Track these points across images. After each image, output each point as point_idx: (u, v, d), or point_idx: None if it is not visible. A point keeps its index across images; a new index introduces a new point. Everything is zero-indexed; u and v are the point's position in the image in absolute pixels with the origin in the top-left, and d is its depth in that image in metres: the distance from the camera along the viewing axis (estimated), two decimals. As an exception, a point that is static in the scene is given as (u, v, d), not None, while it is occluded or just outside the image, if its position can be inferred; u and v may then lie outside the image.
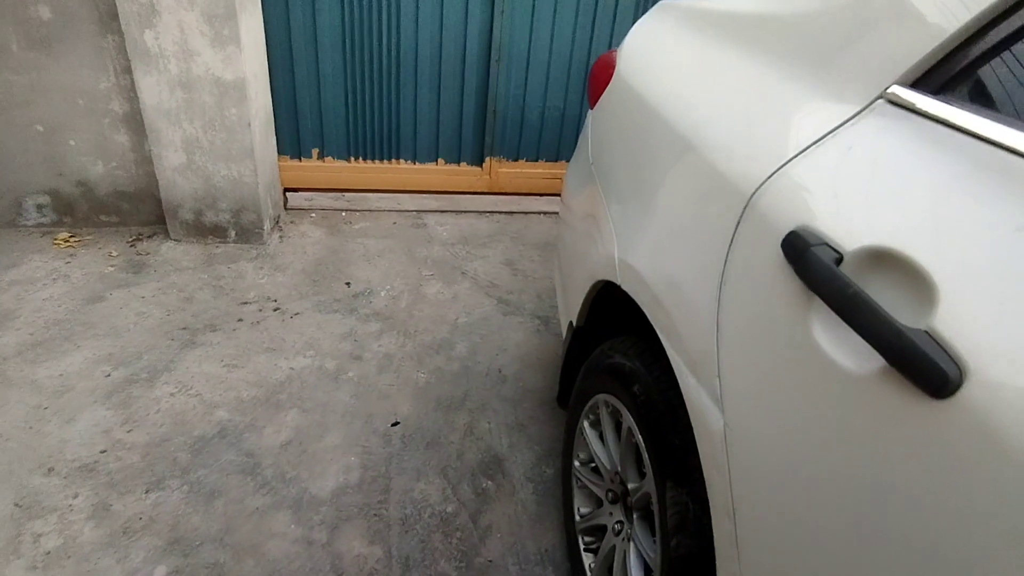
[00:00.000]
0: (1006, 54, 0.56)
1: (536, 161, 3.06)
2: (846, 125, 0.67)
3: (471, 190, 3.06)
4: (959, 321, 0.47)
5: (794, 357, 0.61)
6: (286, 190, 2.92)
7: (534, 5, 2.69)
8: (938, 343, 0.47)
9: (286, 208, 2.93)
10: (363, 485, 1.57)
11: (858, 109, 0.67)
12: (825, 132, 0.68)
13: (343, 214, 2.96)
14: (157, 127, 2.32)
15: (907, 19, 0.65)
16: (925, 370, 0.46)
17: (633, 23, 2.74)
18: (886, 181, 0.59)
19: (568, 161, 3.03)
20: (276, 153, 2.76)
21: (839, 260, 0.58)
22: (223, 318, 2.15)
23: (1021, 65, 0.56)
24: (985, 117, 0.55)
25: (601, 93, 1.40)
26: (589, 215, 1.31)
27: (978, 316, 0.47)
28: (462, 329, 2.22)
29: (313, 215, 2.92)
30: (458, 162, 3.00)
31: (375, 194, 3.03)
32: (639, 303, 0.97)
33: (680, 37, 1.18)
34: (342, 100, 2.76)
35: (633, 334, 1.14)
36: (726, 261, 0.74)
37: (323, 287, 2.38)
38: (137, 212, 2.60)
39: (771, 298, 0.64)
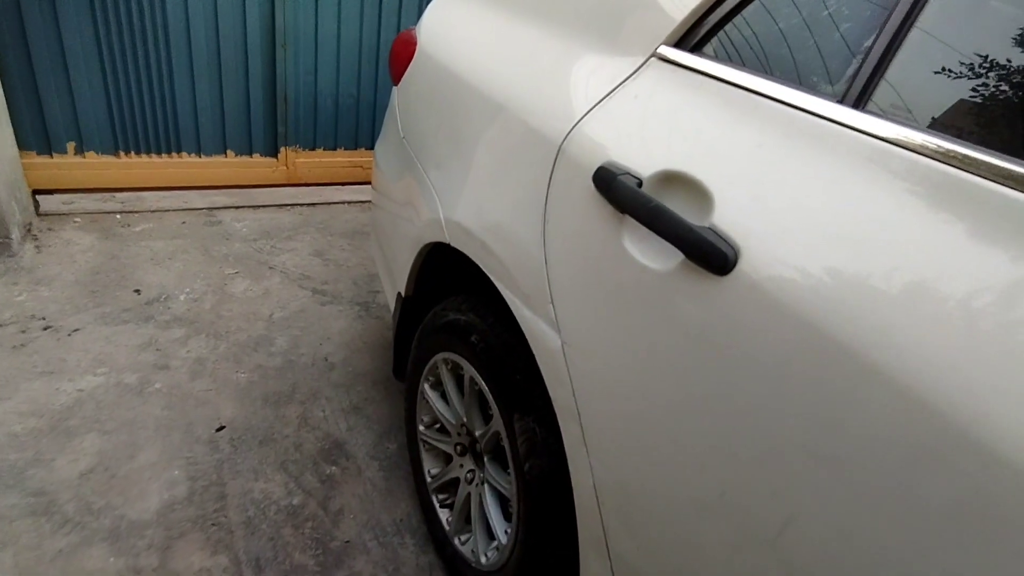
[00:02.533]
0: (738, 18, 0.74)
1: (335, 150, 2.99)
2: (629, 79, 0.81)
3: (268, 183, 2.90)
4: (730, 216, 0.62)
5: (612, 268, 0.73)
6: (36, 192, 2.48)
7: (317, -13, 2.62)
8: (718, 234, 0.62)
9: (39, 213, 2.49)
10: (193, 496, 1.45)
11: (637, 66, 0.81)
12: (613, 87, 0.82)
13: (118, 216, 2.61)
14: None
15: None
16: (712, 255, 0.60)
17: (419, 9, 2.82)
18: (666, 121, 0.74)
19: (369, 148, 3.02)
20: (16, 148, 2.32)
21: (639, 184, 0.71)
22: (-29, 346, 1.78)
23: (749, 25, 0.73)
24: (729, 67, 0.72)
25: (404, 70, 1.44)
26: (407, 188, 1.35)
27: (742, 210, 0.62)
28: (279, 324, 2.11)
29: (78, 220, 2.53)
30: (250, 153, 2.81)
31: (155, 192, 2.71)
32: (469, 255, 1.04)
33: (478, 13, 1.27)
34: (99, 83, 2.41)
35: (464, 290, 1.22)
36: (546, 201, 0.84)
37: (106, 297, 2.08)
38: None
39: (587, 224, 0.76)
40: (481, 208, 1.00)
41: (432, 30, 1.38)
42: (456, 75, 1.18)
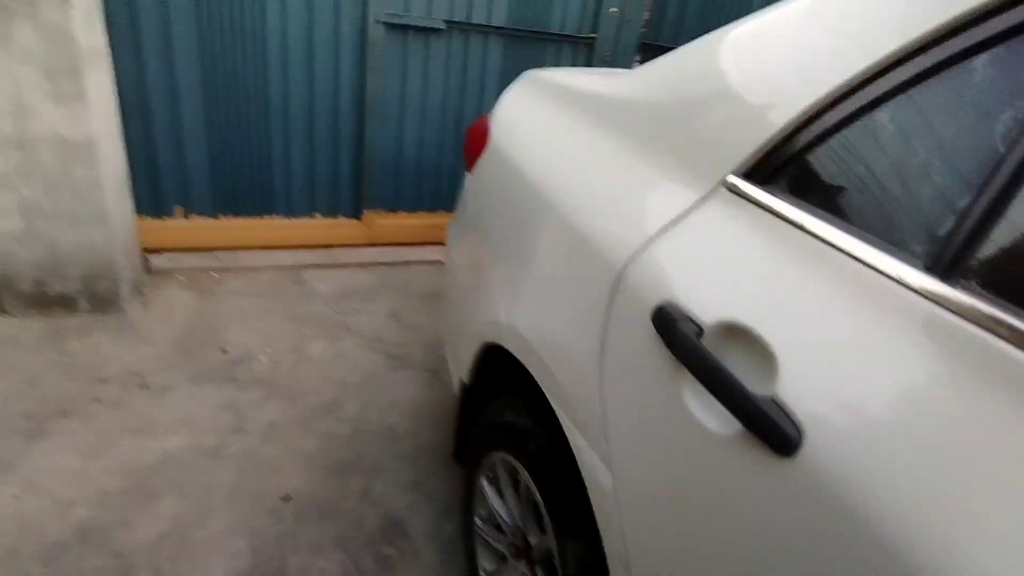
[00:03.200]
0: (816, 152, 0.69)
1: (415, 212, 3.09)
2: (695, 209, 0.77)
3: (350, 243, 3.02)
4: (796, 388, 0.57)
5: (670, 419, 0.69)
6: (147, 251, 2.71)
7: (405, 62, 2.75)
8: (782, 408, 0.56)
9: (148, 271, 2.71)
10: (255, 571, 1.48)
11: (703, 194, 0.77)
12: (678, 215, 0.78)
13: (214, 274, 2.80)
14: (-13, 192, 2.07)
15: (740, 116, 0.77)
16: (774, 433, 0.55)
17: (501, 83, 2.90)
18: (732, 263, 0.69)
19: (447, 210, 3.10)
20: (134, 213, 2.56)
21: (700, 333, 0.66)
22: (77, 400, 1.94)
23: (828, 162, 0.68)
24: (802, 209, 0.67)
25: (477, 159, 1.47)
26: (473, 275, 1.36)
27: (809, 384, 0.56)
28: (350, 388, 2.16)
29: (180, 277, 2.73)
30: (335, 215, 2.95)
31: (248, 251, 2.90)
32: (527, 366, 1.02)
33: (549, 111, 1.28)
34: (206, 154, 2.63)
35: (524, 391, 1.19)
36: (605, 330, 0.81)
37: (196, 356, 2.22)
38: (-39, 285, 2.29)
39: (647, 367, 0.72)
40: (540, 319, 0.98)
41: (504, 123, 1.40)
42: (523, 174, 1.18)
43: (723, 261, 0.70)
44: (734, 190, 0.75)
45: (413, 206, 3.07)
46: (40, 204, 2.14)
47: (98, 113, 2.14)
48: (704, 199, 0.77)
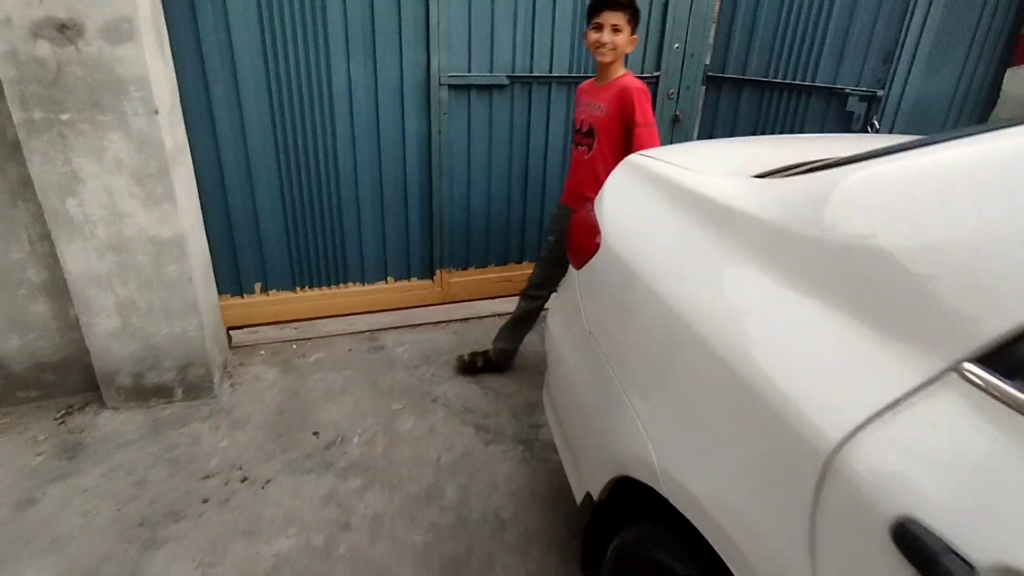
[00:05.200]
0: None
1: (485, 267, 3.05)
2: (920, 394, 0.69)
3: (424, 303, 3.00)
4: None
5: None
6: (229, 329, 2.74)
7: (469, 120, 2.72)
8: None
9: (231, 347, 2.74)
10: None
11: (929, 377, 0.69)
12: (898, 397, 0.70)
13: (294, 346, 2.81)
14: (86, 294, 2.12)
15: (981, 289, 0.68)
16: None
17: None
18: (998, 484, 0.60)
19: (518, 263, 3.05)
20: (217, 295, 2.60)
21: (972, 572, 0.58)
22: (186, 500, 1.95)
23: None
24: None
25: (586, 256, 1.41)
26: (599, 391, 1.29)
27: None
28: (447, 469, 2.12)
29: (262, 352, 2.76)
30: (408, 278, 2.94)
31: (324, 319, 2.91)
32: (695, 524, 0.94)
33: (671, 217, 1.20)
34: (282, 231, 2.65)
35: (668, 520, 1.12)
36: (814, 523, 0.73)
37: (290, 441, 2.22)
38: (64, 382, 2.35)
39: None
40: (712, 480, 0.91)
41: (617, 223, 1.33)
42: (658, 297, 1.11)
43: (982, 479, 0.62)
44: (972, 380, 0.66)
45: (484, 261, 3.03)
46: (136, 302, 2.18)
47: (185, 209, 2.17)
48: (931, 383, 0.69)
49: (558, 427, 1.62)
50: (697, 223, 1.13)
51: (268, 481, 2.04)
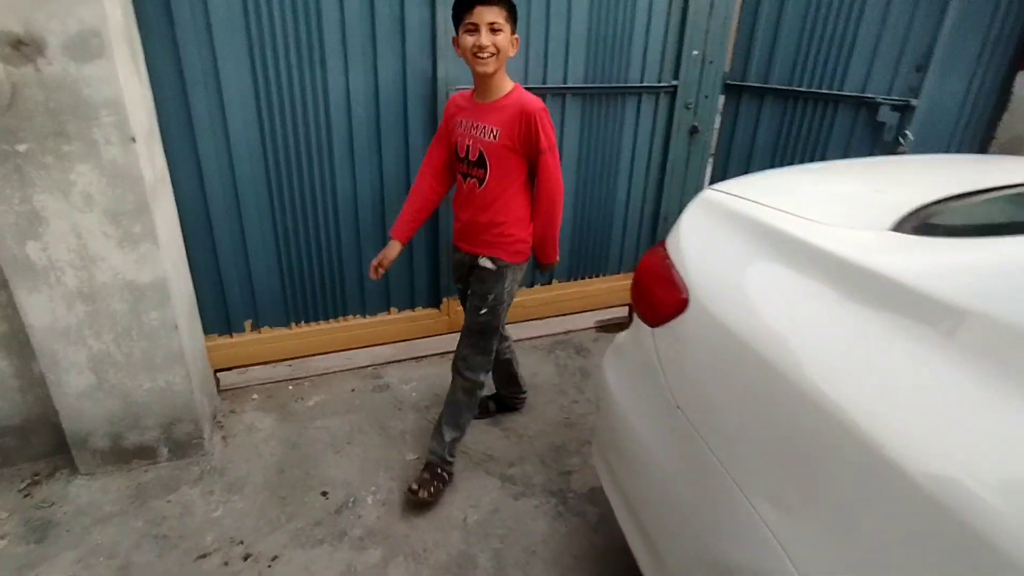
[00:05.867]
0: None
1: (496, 291, 2.82)
2: None
3: (430, 334, 2.77)
4: None
5: None
6: (217, 371, 2.46)
7: (479, 136, 2.49)
8: None
9: (220, 391, 2.47)
10: None
11: None
12: None
13: (290, 387, 2.55)
14: (52, 349, 1.83)
15: None
16: None
17: (579, 143, 2.63)
18: None
19: (529, 286, 2.83)
20: (203, 337, 2.32)
21: None
22: (180, 589, 1.69)
23: None
24: None
25: (665, 313, 1.20)
26: (695, 479, 1.09)
27: None
28: (476, 532, 1.90)
29: (255, 395, 2.49)
30: (413, 307, 2.70)
31: (321, 355, 2.65)
32: None
33: (781, 271, 1.00)
34: (274, 263, 2.38)
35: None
36: None
37: (296, 505, 1.97)
38: (28, 447, 2.05)
39: None
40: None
41: (716, 282, 1.12)
42: (813, 400, 0.89)
43: None
44: None
45: (493, 286, 2.80)
46: (112, 355, 1.90)
47: (167, 248, 1.90)
48: None
49: (621, 500, 1.41)
50: (847, 297, 0.91)
51: (275, 558, 1.79)
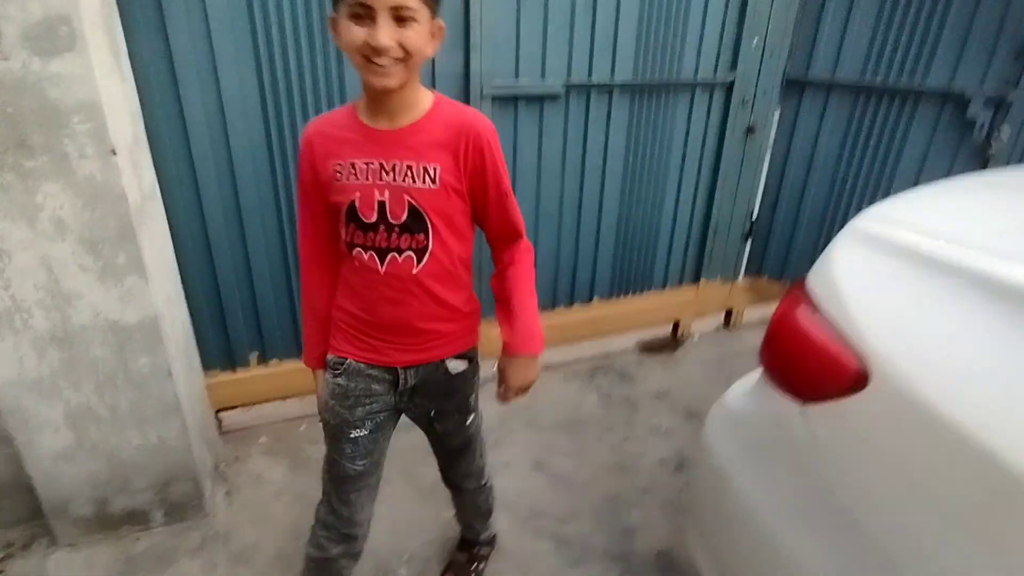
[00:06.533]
0: None
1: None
2: None
3: (459, 361, 2.45)
4: None
5: None
6: (219, 411, 2.15)
7: (515, 139, 2.18)
8: None
9: (221, 433, 2.16)
10: None
11: None
12: None
13: (302, 427, 2.24)
14: (21, 406, 1.52)
15: None
16: None
17: (626, 144, 2.32)
18: None
19: (567, 305, 2.53)
20: (202, 375, 2.01)
21: None
22: None
23: None
24: None
25: (825, 386, 0.89)
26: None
27: None
28: (532, 613, 1.60)
29: (263, 438, 2.18)
30: (440, 332, 2.38)
31: (337, 389, 2.33)
32: None
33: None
34: (283, 288, 2.07)
35: None
36: None
37: (316, 583, 1.66)
38: (-2, 512, 1.74)
39: None
40: None
41: (909, 348, 0.82)
42: None
43: None
44: None
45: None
46: (93, 409, 1.58)
47: (158, 280, 1.59)
48: None
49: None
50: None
51: (294, 655, 1.48)
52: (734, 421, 1.15)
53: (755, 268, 2.88)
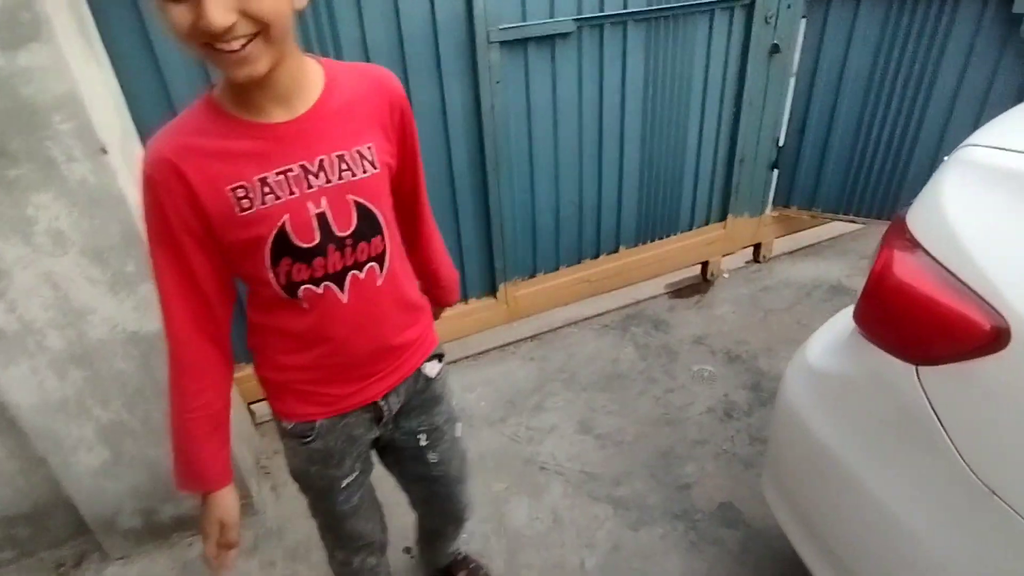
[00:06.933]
0: None
1: (556, 270, 2.41)
2: None
3: (487, 327, 2.37)
4: None
5: None
6: (250, 403, 2.09)
7: (527, 85, 2.01)
8: None
9: (256, 426, 2.10)
10: None
11: None
12: None
13: (336, 411, 2.17)
14: (50, 429, 1.44)
15: None
16: None
17: (644, 81, 2.15)
18: None
19: (593, 258, 2.42)
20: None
21: None
22: None
23: None
24: None
25: (949, 345, 0.80)
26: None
27: None
28: (600, 580, 1.57)
29: (297, 428, 2.11)
30: (466, 300, 2.29)
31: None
32: None
33: None
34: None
35: None
36: None
37: (377, 572, 1.62)
38: (44, 533, 1.70)
39: None
40: None
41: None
42: None
43: None
44: None
45: (554, 264, 2.40)
46: (126, 423, 1.51)
47: (172, 282, 1.47)
48: None
49: (812, 547, 1.06)
50: None
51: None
52: (821, 382, 1.06)
53: (783, 199, 2.74)
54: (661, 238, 2.57)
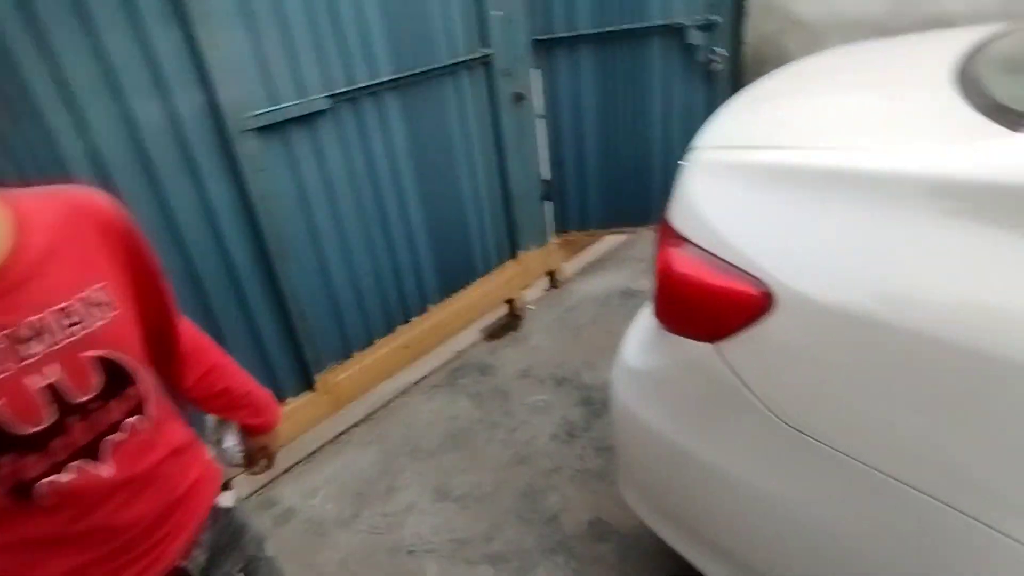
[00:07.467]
0: None
1: (371, 344, 2.34)
2: None
3: (314, 422, 2.20)
4: None
5: None
6: None
7: (294, 168, 1.95)
8: None
9: None
10: None
11: None
12: None
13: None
14: None
15: None
16: None
17: (410, 147, 2.22)
18: None
19: (403, 322, 2.40)
20: None
21: None
22: None
23: None
24: None
25: (731, 319, 0.92)
26: (874, 519, 0.85)
27: None
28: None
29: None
30: (283, 399, 2.09)
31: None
32: None
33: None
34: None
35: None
36: None
37: None
38: None
39: None
40: None
41: (797, 259, 0.86)
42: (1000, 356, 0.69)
43: None
44: None
45: (368, 339, 2.32)
46: None
47: None
48: None
49: (675, 530, 1.14)
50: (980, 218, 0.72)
51: None
52: (643, 379, 1.16)
53: (561, 225, 3.01)
54: (463, 287, 2.64)
